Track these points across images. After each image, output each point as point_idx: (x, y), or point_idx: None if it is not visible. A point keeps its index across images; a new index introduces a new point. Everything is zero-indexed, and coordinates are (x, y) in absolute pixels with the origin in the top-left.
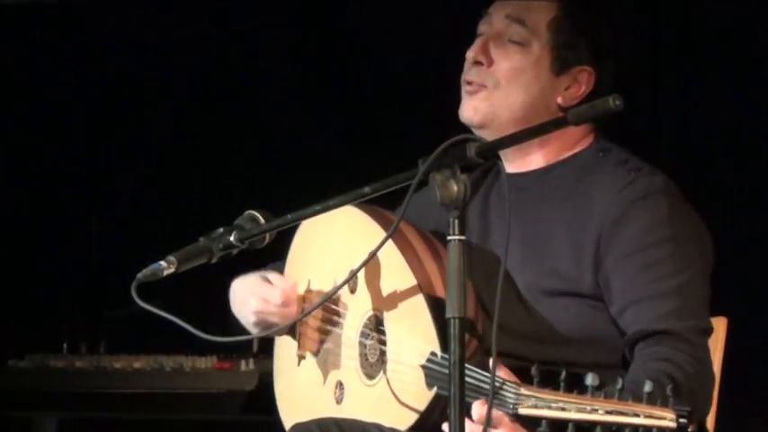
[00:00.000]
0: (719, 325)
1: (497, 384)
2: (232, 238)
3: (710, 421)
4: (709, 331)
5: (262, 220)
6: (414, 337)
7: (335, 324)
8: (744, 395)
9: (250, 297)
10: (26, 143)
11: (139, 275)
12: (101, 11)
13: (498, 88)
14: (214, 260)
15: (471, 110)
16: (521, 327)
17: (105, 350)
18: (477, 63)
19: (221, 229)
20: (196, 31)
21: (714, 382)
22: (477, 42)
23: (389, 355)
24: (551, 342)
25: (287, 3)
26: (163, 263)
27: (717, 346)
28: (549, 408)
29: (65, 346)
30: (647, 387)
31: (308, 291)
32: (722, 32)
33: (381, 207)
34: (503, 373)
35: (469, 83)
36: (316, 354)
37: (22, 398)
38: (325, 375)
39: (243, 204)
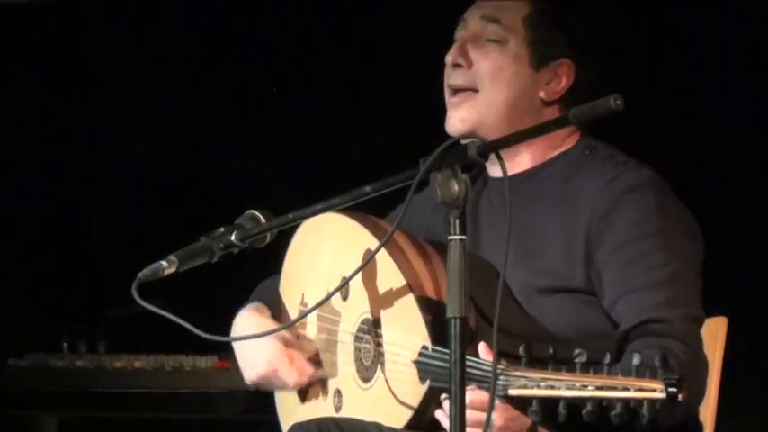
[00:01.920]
0: (719, 325)
1: (486, 367)
2: (233, 238)
3: (710, 419)
4: (700, 320)
5: (262, 220)
6: (407, 335)
7: (330, 332)
8: (743, 395)
9: (263, 359)
10: (26, 142)
11: (140, 275)
12: (101, 8)
13: (483, 89)
14: (215, 260)
15: (459, 122)
16: (515, 327)
17: (105, 349)
18: (456, 66)
19: (222, 229)
20: (197, 27)
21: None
22: (455, 45)
23: (385, 356)
24: (547, 341)
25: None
26: (163, 262)
27: (716, 345)
28: (539, 387)
29: (65, 345)
30: (635, 360)
31: (303, 303)
32: (722, 31)
33: (382, 206)
34: (490, 356)
35: (455, 90)
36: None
37: (22, 397)
38: (323, 384)
39: (244, 204)
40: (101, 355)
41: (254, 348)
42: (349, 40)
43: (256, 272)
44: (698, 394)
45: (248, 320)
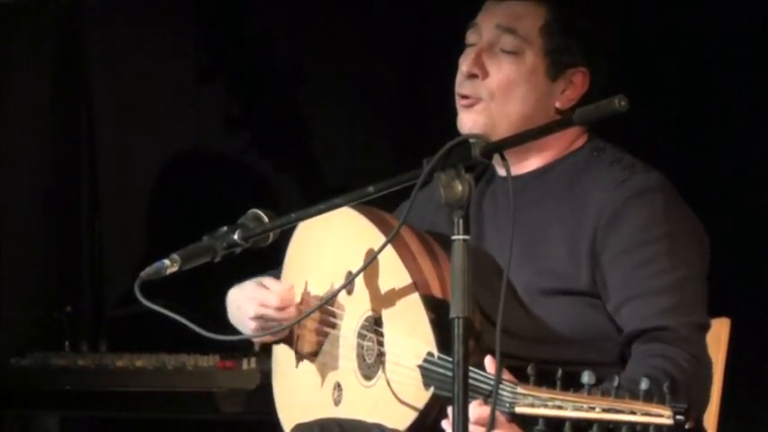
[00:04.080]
0: (722, 326)
1: (492, 382)
2: (236, 237)
3: (713, 422)
4: (706, 327)
5: (265, 219)
6: (411, 337)
7: (333, 326)
8: (746, 396)
9: (247, 303)
10: (29, 141)
11: (143, 274)
12: (102, 6)
13: (494, 100)
14: (217, 259)
15: (470, 122)
16: (519, 327)
17: (107, 349)
18: (471, 76)
19: (225, 228)
20: (199, 26)
21: (711, 379)
22: (470, 54)
23: (387, 356)
24: (550, 342)
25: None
26: (166, 261)
27: (720, 347)
28: (546, 406)
29: (67, 344)
30: (644, 384)
31: (306, 293)
32: (723, 30)
33: (384, 206)
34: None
35: (465, 96)
36: (313, 356)
37: (23, 396)
38: (323, 377)
39: (247, 203)
40: (102, 355)
41: (238, 298)
42: (351, 39)
43: (259, 271)
44: (701, 403)
45: (240, 288)
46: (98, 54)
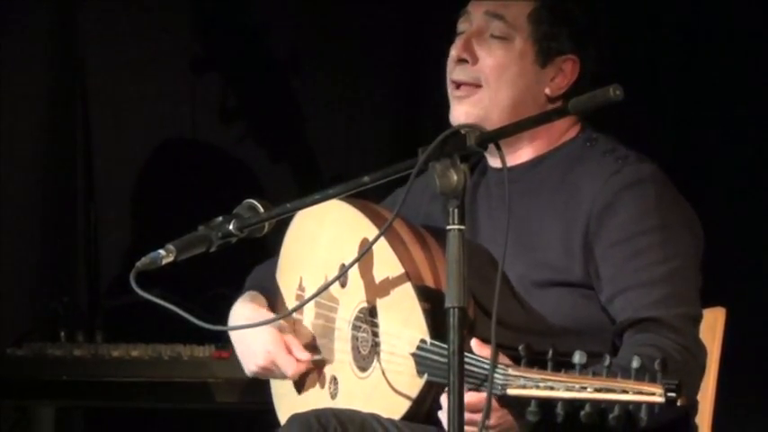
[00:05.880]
0: (718, 316)
1: (486, 367)
2: (231, 227)
3: (708, 411)
4: (698, 319)
5: (261, 209)
6: (404, 326)
7: (328, 319)
8: (742, 385)
9: (261, 351)
10: (25, 131)
11: (138, 264)
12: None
13: (487, 85)
14: (213, 249)
15: (463, 115)
16: (513, 318)
17: (103, 339)
18: (461, 61)
19: (220, 218)
20: (195, 18)
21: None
22: (460, 40)
23: (382, 346)
24: (544, 333)
25: None
26: (162, 251)
27: (715, 336)
28: (538, 387)
29: (63, 334)
30: (635, 363)
31: (301, 287)
32: (723, 24)
33: (379, 195)
34: (483, 351)
35: (458, 85)
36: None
37: (19, 386)
38: (319, 371)
39: (243, 193)
40: (98, 345)
41: (252, 340)
42: (348, 29)
43: (254, 261)
44: (691, 393)
45: (245, 311)
46: (94, 44)
